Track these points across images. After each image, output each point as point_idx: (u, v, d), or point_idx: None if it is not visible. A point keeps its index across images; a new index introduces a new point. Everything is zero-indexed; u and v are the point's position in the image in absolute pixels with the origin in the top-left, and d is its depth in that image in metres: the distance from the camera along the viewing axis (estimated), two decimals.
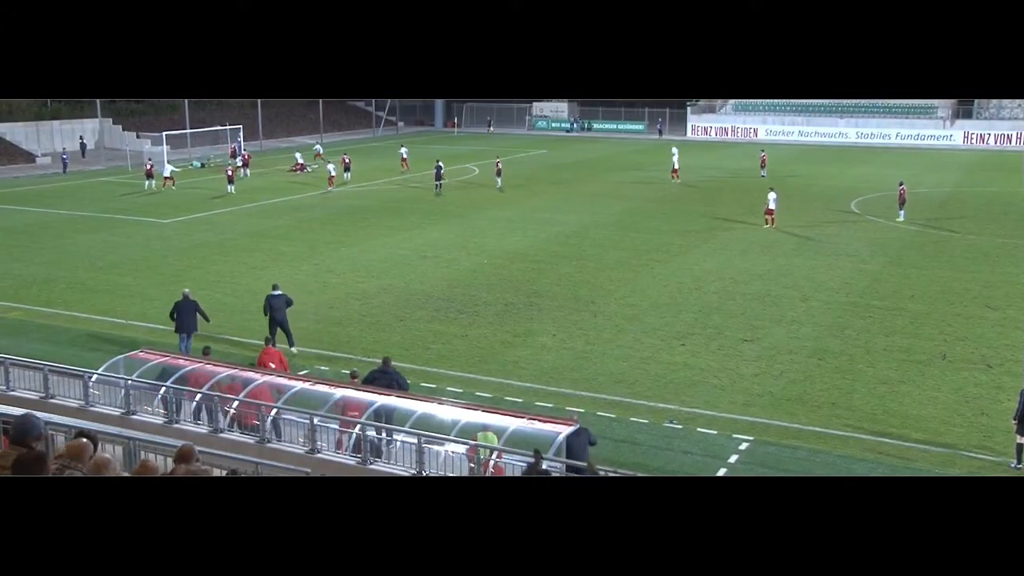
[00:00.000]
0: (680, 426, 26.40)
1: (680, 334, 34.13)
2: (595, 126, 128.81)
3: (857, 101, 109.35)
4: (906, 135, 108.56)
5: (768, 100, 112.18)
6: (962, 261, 45.78)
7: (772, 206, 55.41)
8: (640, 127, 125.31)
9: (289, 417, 22.72)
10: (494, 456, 20.51)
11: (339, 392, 23.45)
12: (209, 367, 25.18)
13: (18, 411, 8.93)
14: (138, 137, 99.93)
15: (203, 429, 22.92)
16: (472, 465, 20.23)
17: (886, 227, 54.71)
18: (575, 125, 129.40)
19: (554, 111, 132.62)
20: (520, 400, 27.62)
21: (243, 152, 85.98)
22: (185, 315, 31.81)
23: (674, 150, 79.46)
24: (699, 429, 26.23)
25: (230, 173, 71.02)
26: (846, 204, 63.44)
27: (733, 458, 24.38)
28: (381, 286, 40.86)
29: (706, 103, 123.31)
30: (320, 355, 32.06)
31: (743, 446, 25.06)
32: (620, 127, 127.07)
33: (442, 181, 69.62)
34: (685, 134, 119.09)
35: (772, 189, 57.64)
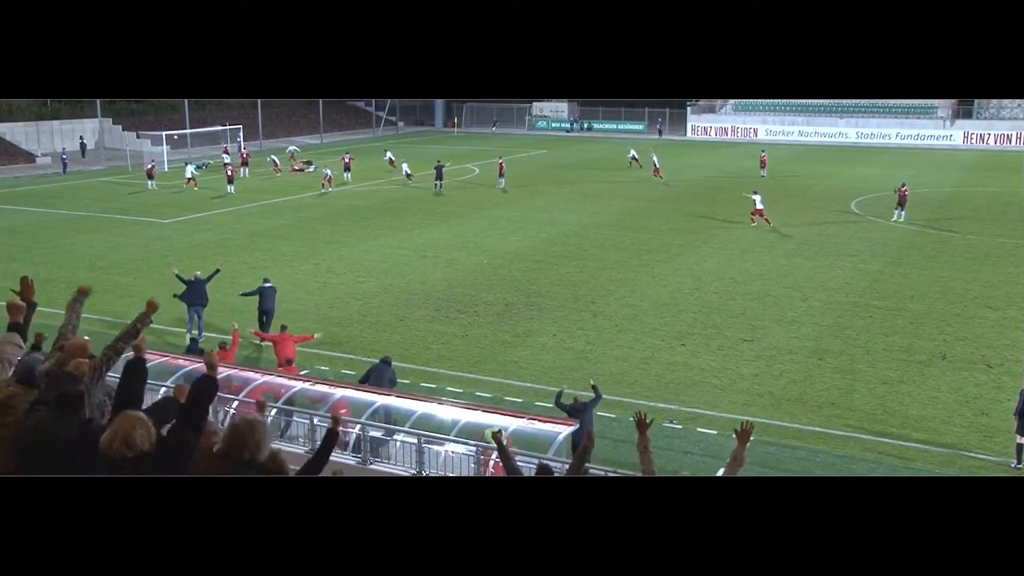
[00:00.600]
0: (680, 426, 26.40)
1: (680, 334, 34.14)
2: (595, 126, 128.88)
3: (857, 101, 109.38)
4: (906, 135, 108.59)
5: (768, 100, 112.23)
6: (962, 261, 45.78)
7: (760, 206, 55.60)
8: (640, 127, 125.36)
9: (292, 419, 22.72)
10: (494, 456, 20.49)
11: (339, 392, 23.43)
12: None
13: None
14: (138, 137, 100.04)
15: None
16: (472, 465, 20.21)
17: (886, 227, 54.72)
18: (575, 125, 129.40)
19: (554, 111, 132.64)
20: (520, 400, 27.62)
21: (242, 151, 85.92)
22: (195, 293, 34.42)
23: (653, 155, 78.95)
24: (699, 429, 26.23)
25: (230, 173, 71.01)
26: (846, 204, 63.46)
27: None
28: (381, 286, 40.87)
29: (706, 103, 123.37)
30: (320, 355, 32.04)
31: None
32: (620, 127, 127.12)
33: (443, 181, 69.82)
34: (685, 134, 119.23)
35: (755, 192, 57.77)
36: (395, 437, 21.82)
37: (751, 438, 10.50)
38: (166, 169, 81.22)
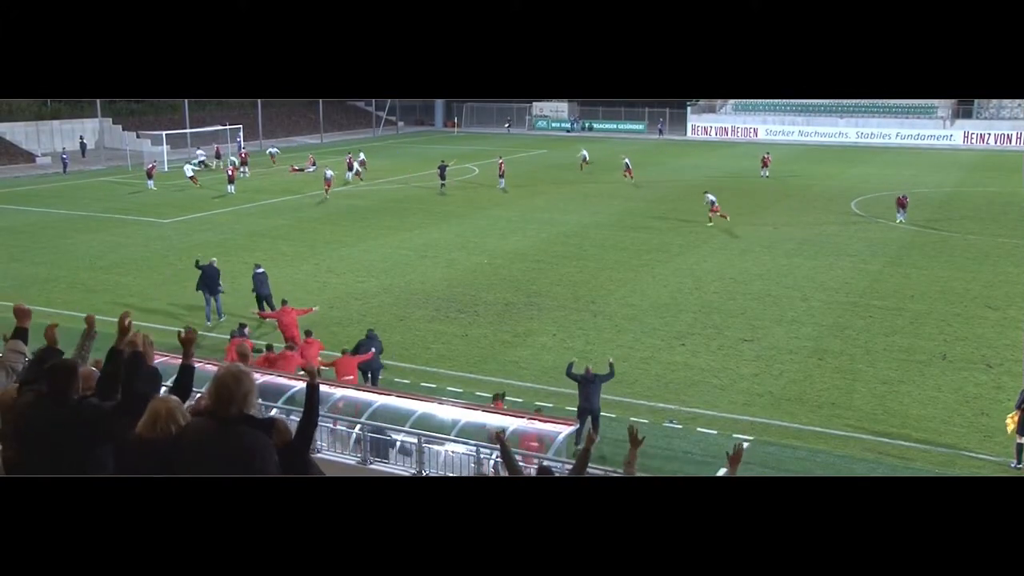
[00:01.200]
0: (680, 426, 26.40)
1: (680, 334, 34.14)
2: (595, 126, 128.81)
3: (857, 101, 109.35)
4: (906, 135, 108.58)
5: (768, 100, 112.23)
6: (962, 261, 45.79)
7: (716, 204, 56.03)
8: (640, 127, 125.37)
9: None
10: (493, 456, 20.48)
11: (338, 392, 23.43)
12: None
13: None
14: (138, 137, 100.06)
15: None
16: (472, 465, 20.19)
17: (886, 227, 54.72)
18: (575, 125, 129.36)
19: (554, 111, 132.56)
20: (520, 400, 27.60)
21: (242, 151, 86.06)
22: (208, 280, 36.62)
23: (625, 157, 78.34)
24: (699, 429, 26.24)
25: (230, 173, 71.02)
26: (846, 204, 63.46)
27: None
28: (381, 286, 40.87)
29: (706, 103, 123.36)
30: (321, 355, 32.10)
31: (743, 446, 24.99)
32: (620, 127, 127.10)
33: (446, 180, 70.16)
34: (685, 134, 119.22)
35: (707, 192, 58.25)
36: (395, 437, 21.81)
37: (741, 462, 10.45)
38: (166, 169, 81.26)
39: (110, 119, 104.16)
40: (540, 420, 22.19)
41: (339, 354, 28.33)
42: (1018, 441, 23.57)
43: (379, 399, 23.03)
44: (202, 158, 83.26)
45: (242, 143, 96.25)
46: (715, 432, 25.98)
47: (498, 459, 19.84)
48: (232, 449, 7.20)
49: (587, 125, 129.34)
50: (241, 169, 77.65)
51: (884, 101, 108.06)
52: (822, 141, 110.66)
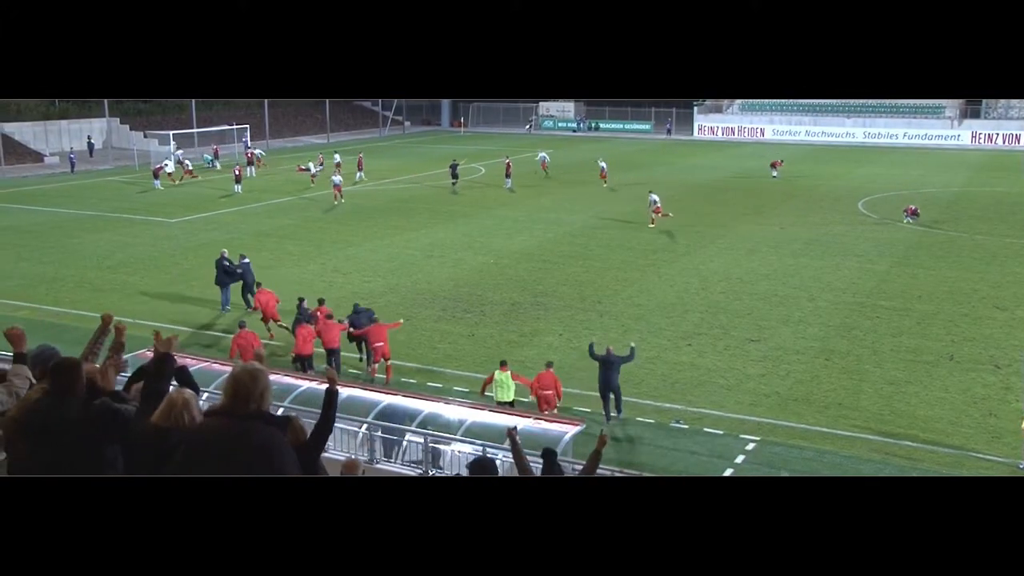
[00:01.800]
0: (686, 426, 26.38)
1: (686, 334, 34.11)
2: (601, 126, 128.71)
3: (864, 101, 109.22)
4: (913, 135, 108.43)
5: (775, 100, 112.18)
6: (970, 261, 45.71)
7: (658, 204, 55.90)
8: (647, 127, 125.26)
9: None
10: (501, 455, 20.45)
11: (345, 391, 23.42)
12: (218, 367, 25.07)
13: None
14: (145, 137, 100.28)
15: None
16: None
17: (893, 227, 54.63)
18: (581, 125, 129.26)
19: (560, 111, 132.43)
20: (527, 400, 27.58)
21: (248, 151, 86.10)
22: (219, 272, 38.40)
23: (601, 161, 77.58)
24: (705, 429, 26.21)
25: (237, 173, 71.03)
26: (853, 204, 63.37)
27: (739, 458, 24.35)
28: (387, 285, 40.87)
29: (712, 103, 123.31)
30: (324, 355, 32.13)
31: (749, 446, 25.03)
32: (627, 127, 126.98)
33: (458, 179, 70.62)
34: (692, 134, 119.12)
35: (651, 192, 58.39)
36: (403, 437, 21.81)
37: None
38: (171, 169, 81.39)
39: (118, 119, 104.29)
40: (546, 420, 22.21)
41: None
42: None
43: (386, 399, 23.04)
44: (179, 157, 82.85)
45: (248, 143, 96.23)
46: (721, 432, 25.96)
47: (504, 458, 19.85)
48: (250, 446, 7.20)
49: (593, 125, 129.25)
50: (248, 169, 77.77)
51: (892, 101, 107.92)
52: (829, 141, 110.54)
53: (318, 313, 31.20)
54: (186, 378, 9.90)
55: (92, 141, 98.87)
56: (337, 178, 65.42)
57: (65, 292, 40.61)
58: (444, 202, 64.86)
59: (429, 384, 28.75)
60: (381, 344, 29.93)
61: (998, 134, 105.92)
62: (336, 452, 21.54)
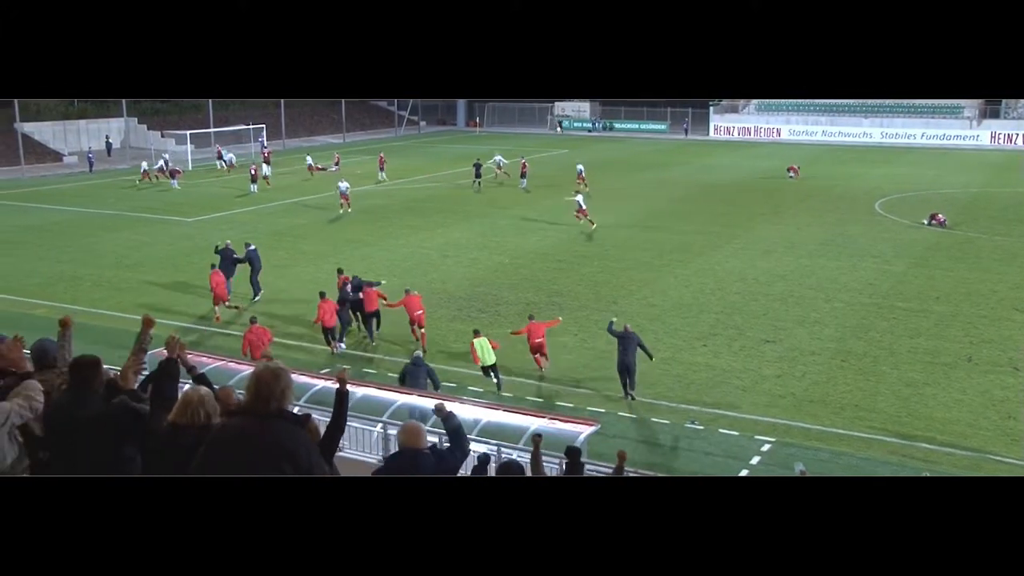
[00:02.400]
0: (701, 427, 26.28)
1: (702, 335, 34.00)
2: (616, 126, 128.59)
3: (882, 101, 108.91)
4: (932, 135, 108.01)
5: (792, 100, 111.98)
6: (989, 262, 45.50)
7: (583, 207, 55.49)
8: (662, 127, 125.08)
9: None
10: (516, 455, 20.37)
11: (360, 391, 23.38)
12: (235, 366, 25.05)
13: None
14: (163, 136, 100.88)
15: None
16: (493, 465, 20.08)
17: (911, 228, 54.42)
18: (596, 125, 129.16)
19: (576, 111, 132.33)
20: (541, 400, 27.54)
21: (264, 150, 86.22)
22: (225, 263, 38.93)
23: (579, 165, 76.63)
24: (720, 430, 26.11)
25: (253, 172, 71.18)
26: (870, 205, 63.16)
27: (755, 459, 24.25)
28: (403, 285, 40.71)
29: (728, 103, 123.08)
30: (342, 353, 32.15)
31: (765, 447, 24.92)
32: (642, 127, 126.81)
33: (482, 179, 71.02)
34: (708, 134, 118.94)
35: (577, 193, 58.56)
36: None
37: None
38: (190, 168, 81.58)
39: (135, 119, 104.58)
40: (561, 420, 22.12)
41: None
42: None
43: (400, 398, 22.99)
44: (164, 158, 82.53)
45: (264, 142, 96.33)
46: (737, 433, 25.86)
47: (519, 458, 19.79)
48: (274, 446, 7.18)
49: (608, 125, 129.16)
50: (263, 168, 77.88)
51: (910, 101, 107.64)
52: (846, 141, 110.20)
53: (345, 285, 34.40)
54: (203, 382, 10.06)
55: (110, 141, 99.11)
56: (344, 185, 61.44)
57: (83, 291, 40.72)
58: (459, 202, 64.83)
59: (444, 383, 28.69)
60: (420, 312, 33.19)
61: (1018, 134, 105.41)
62: (351, 452, 21.53)
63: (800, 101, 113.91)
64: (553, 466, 19.28)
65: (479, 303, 38.04)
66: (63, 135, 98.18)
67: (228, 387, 10.11)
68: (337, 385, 9.45)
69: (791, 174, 76.47)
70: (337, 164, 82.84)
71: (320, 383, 23.97)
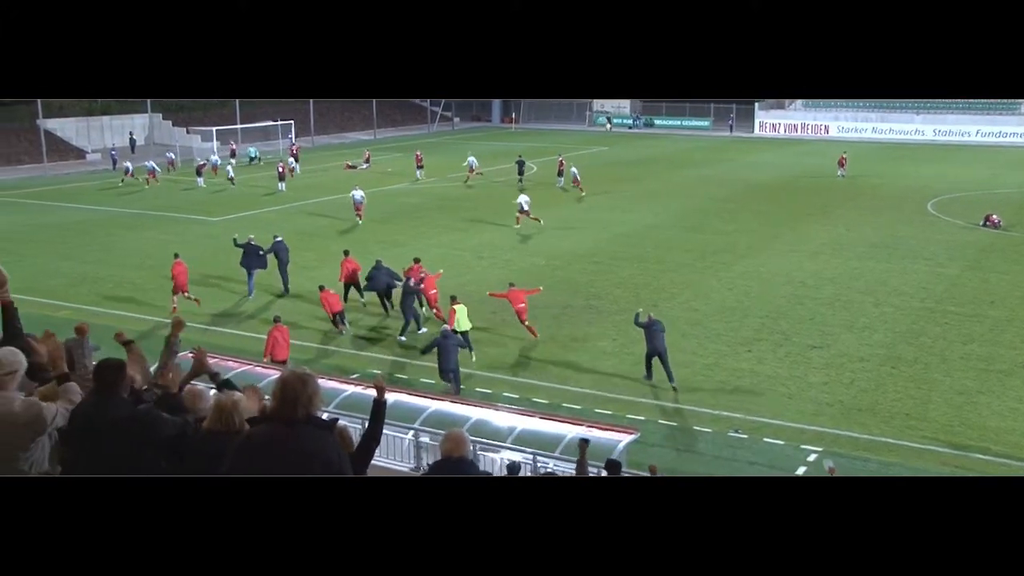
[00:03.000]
0: (745, 436, 26.21)
1: (746, 340, 33.91)
2: (657, 122, 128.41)
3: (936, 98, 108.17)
4: (987, 132, 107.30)
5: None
6: None
7: (526, 208, 55.33)
8: (705, 123, 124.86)
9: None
10: (552, 464, 20.39)
11: (391, 397, 23.42)
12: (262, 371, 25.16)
13: None
14: (188, 133, 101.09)
15: None
16: (528, 473, 20.10)
17: (964, 229, 54.11)
18: (637, 121, 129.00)
19: (616, 107, 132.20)
20: (578, 407, 27.52)
21: (292, 146, 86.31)
22: (249, 256, 40.41)
23: (573, 167, 74.54)
24: (765, 439, 26.03)
25: (281, 170, 71.41)
26: (922, 205, 62.82)
27: (801, 469, 24.14)
28: (436, 287, 40.77)
29: (775, 100, 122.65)
30: (372, 358, 32.21)
31: (811, 457, 24.81)
32: (684, 123, 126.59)
33: (524, 175, 71.34)
34: (753, 131, 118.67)
35: (523, 191, 59.36)
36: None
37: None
38: (217, 162, 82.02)
39: (160, 115, 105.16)
40: (600, 428, 22.12)
41: None
42: None
43: (433, 404, 23.05)
44: (170, 156, 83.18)
45: (293, 138, 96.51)
46: (782, 442, 25.77)
47: (555, 467, 19.83)
48: (302, 452, 7.23)
49: (649, 121, 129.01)
50: (292, 166, 78.16)
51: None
52: (897, 138, 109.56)
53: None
54: (229, 387, 10.28)
55: (134, 137, 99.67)
56: (358, 194, 58.21)
57: (107, 292, 40.98)
58: (494, 201, 64.76)
59: (477, 390, 28.74)
60: (435, 292, 36.82)
61: None
62: (381, 460, 21.58)
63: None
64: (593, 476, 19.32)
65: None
66: (86, 132, 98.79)
67: (256, 387, 10.16)
68: (374, 392, 9.49)
69: (840, 171, 76.11)
70: (368, 162, 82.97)
71: (350, 388, 24.06)
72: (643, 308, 31.99)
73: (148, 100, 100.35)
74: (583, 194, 66.45)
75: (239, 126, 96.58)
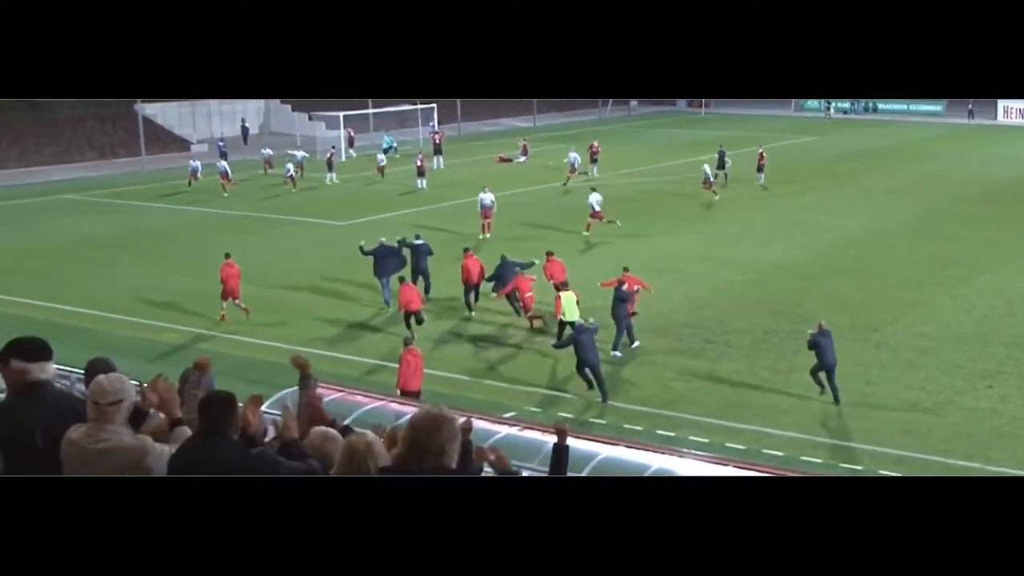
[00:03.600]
0: None
1: (987, 373, 33.49)
2: (880, 107, 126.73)
3: None
4: None
5: None
6: None
7: (597, 208, 55.11)
8: (937, 108, 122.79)
9: None
10: None
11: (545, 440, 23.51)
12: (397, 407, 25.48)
13: None
14: (310, 119, 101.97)
15: None
16: None
17: None
18: (855, 106, 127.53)
19: None
20: (781, 453, 27.48)
21: (435, 134, 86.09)
22: (386, 259, 41.97)
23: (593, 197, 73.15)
24: None
25: (420, 164, 72.05)
26: None
27: None
28: (606, 306, 40.70)
29: None
30: (536, 392, 32.35)
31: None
32: (911, 108, 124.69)
33: (726, 171, 71.10)
34: (995, 117, 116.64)
35: (594, 189, 57.51)
36: None
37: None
38: (343, 158, 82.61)
39: (278, 98, 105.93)
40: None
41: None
42: None
43: (604, 450, 23.05)
44: (266, 154, 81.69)
45: (436, 125, 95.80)
46: None
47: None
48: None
49: (872, 106, 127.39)
50: (435, 159, 78.58)
51: None
52: None
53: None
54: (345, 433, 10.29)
55: (246, 125, 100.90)
56: (487, 197, 56.84)
57: (211, 310, 41.47)
58: (679, 201, 64.65)
59: (659, 432, 28.79)
60: (531, 295, 39.05)
61: None
62: None
63: None
64: None
65: (703, 331, 37.90)
66: (191, 119, 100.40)
67: (388, 429, 10.37)
68: (552, 438, 9.68)
69: None
70: (525, 154, 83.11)
71: (503, 429, 24.22)
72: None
73: None
74: (716, 197, 65.55)
75: (371, 110, 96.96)
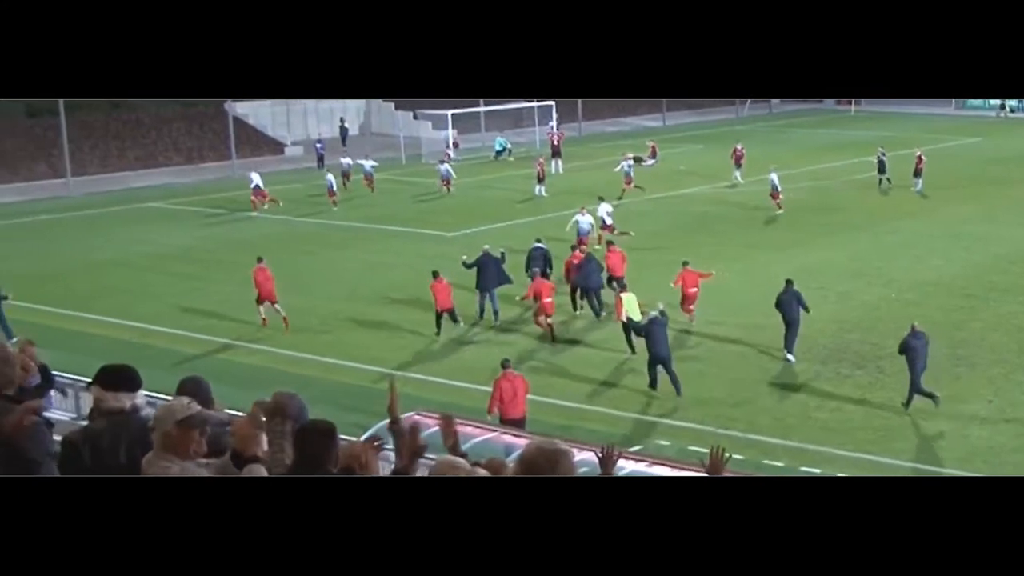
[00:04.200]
0: None
1: None
2: None
3: None
4: None
5: None
6: None
7: (609, 222, 54.66)
8: None
9: None
10: None
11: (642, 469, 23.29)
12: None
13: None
14: (415, 118, 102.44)
15: None
16: None
17: None
18: (1021, 104, 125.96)
19: None
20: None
21: (554, 134, 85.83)
22: (488, 272, 42.77)
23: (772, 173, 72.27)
24: None
25: (539, 168, 72.12)
26: None
27: None
28: (741, 326, 40.38)
29: None
30: (680, 428, 32.00)
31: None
32: None
33: (886, 174, 71.47)
34: None
35: (602, 199, 57.46)
36: None
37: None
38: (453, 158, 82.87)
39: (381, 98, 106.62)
40: None
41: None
42: None
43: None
44: (346, 163, 78.63)
45: (555, 125, 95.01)
46: None
47: None
48: None
49: None
50: (553, 162, 78.50)
51: None
52: None
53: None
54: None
55: (346, 126, 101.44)
56: (606, 208, 56.23)
57: (310, 330, 41.56)
58: (826, 211, 64.15)
59: (802, 469, 28.38)
60: (550, 300, 40.74)
61: None
62: None
63: None
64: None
65: (852, 355, 37.58)
66: (285, 119, 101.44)
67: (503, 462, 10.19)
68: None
69: None
70: (654, 156, 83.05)
71: (628, 465, 23.96)
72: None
73: None
74: (780, 211, 64.38)
75: (482, 108, 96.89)
